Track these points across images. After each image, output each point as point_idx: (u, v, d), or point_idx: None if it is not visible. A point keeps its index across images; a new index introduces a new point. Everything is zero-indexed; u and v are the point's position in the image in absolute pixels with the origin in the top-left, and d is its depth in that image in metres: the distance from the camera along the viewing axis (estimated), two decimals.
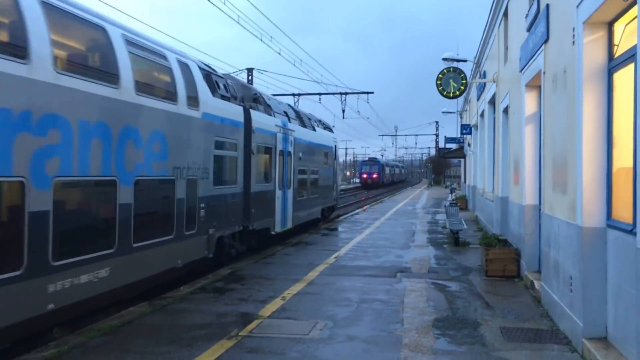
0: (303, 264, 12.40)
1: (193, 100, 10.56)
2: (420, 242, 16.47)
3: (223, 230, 11.97)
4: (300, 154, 17.85)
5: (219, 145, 11.70)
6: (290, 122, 17.28)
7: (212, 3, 17.62)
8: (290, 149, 16.79)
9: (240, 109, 13.07)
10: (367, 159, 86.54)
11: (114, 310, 8.33)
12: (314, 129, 20.61)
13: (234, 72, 43.68)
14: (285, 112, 17.44)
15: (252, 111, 13.61)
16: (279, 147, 15.66)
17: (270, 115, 15.43)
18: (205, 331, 7.17)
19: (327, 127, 24.00)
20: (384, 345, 6.67)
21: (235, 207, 12.74)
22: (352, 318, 7.86)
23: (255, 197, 13.74)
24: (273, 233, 15.32)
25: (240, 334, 7.05)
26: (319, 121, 23.24)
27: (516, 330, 7.28)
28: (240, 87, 14.34)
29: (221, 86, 12.32)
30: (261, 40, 24.63)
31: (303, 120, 19.56)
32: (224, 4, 18.87)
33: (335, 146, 24.06)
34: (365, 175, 78.53)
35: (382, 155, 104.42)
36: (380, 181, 78.09)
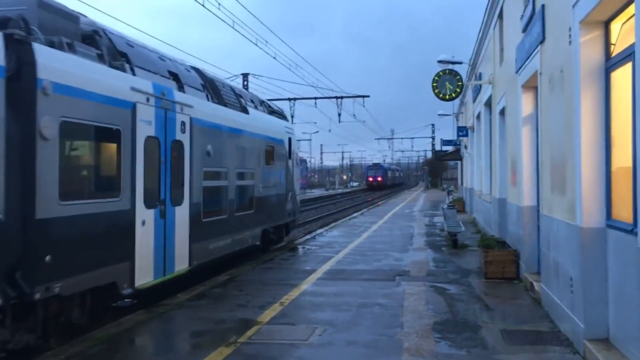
0: (302, 268, 12.33)
1: None
2: (419, 245, 16.42)
3: None
4: (210, 147, 11.01)
5: None
6: (183, 90, 10.49)
7: (207, 8, 17.60)
8: (182, 136, 9.90)
9: None
10: (372, 164, 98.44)
11: (110, 318, 8.24)
12: (246, 111, 13.46)
13: (229, 77, 43.68)
14: (173, 74, 10.49)
15: (39, 47, 6.69)
16: (147, 131, 8.78)
17: (118, 68, 8.44)
18: (204, 338, 7.09)
19: (274, 112, 16.72)
20: (384, 349, 6.61)
21: None
22: (351, 322, 7.80)
23: (60, 229, 6.89)
24: (126, 292, 8.20)
25: (239, 340, 6.98)
26: (262, 102, 16.14)
27: (517, 333, 7.23)
28: (34, 4, 7.34)
29: None
30: (256, 45, 24.63)
31: (219, 93, 12.40)
32: (219, 9, 18.86)
33: (290, 139, 16.80)
34: (371, 179, 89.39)
35: (384, 161, 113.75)
36: (384, 183, 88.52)
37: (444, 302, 9.03)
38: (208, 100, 11.62)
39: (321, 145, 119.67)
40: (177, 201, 9.80)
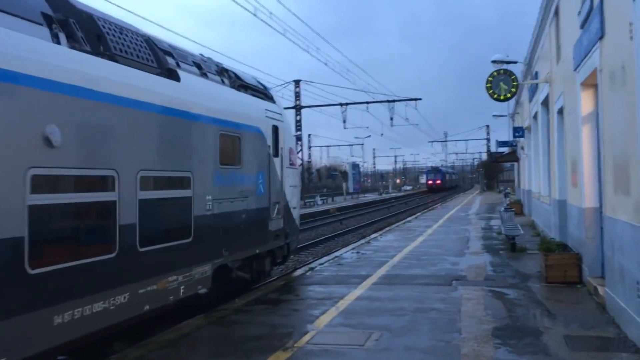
0: (357, 273, 12.30)
1: None
2: (475, 249, 16.11)
3: None
4: (55, 130, 5.91)
5: None
6: None
7: (259, 17, 17.87)
8: None
9: None
10: (431, 168, 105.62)
11: (170, 323, 8.44)
12: (173, 76, 8.37)
13: (280, 85, 44.12)
14: None
15: None
16: None
17: None
18: (261, 343, 7.18)
19: (247, 87, 11.10)
20: (442, 355, 6.51)
21: None
22: (408, 328, 7.72)
23: None
24: None
25: (296, 345, 7.02)
26: (222, 70, 10.54)
27: (581, 339, 6.99)
28: None
29: None
30: (308, 52, 24.83)
31: (102, 38, 7.23)
32: (270, 17, 19.12)
33: (277, 128, 11.68)
34: (430, 182, 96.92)
35: (441, 165, 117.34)
36: (443, 186, 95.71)
37: (503, 307, 8.82)
38: (58, 42, 6.40)
39: (374, 149, 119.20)
40: None
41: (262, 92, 11.85)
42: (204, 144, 8.82)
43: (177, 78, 8.39)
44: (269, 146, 11.24)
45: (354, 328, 7.77)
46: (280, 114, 12.11)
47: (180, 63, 8.84)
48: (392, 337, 7.29)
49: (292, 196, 12.63)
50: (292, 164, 12.70)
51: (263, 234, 10.92)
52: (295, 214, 12.90)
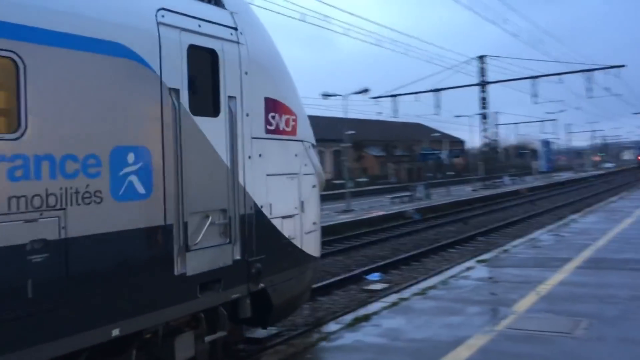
0: (556, 257, 11.48)
1: None
2: None
3: None
4: None
5: None
6: None
7: None
8: None
9: None
10: None
11: (357, 304, 8.57)
12: None
13: (464, 61, 42.76)
14: None
15: None
16: None
17: None
18: (459, 325, 6.99)
19: None
20: None
21: None
22: (621, 317, 7.01)
23: None
24: None
25: (495, 328, 6.73)
26: None
27: None
28: None
29: None
30: (496, 24, 23.61)
31: None
32: None
33: (207, 53, 5.36)
34: None
35: None
36: None
37: None
38: None
39: (568, 124, 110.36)
40: None
41: None
42: None
43: None
44: (175, 90, 5.05)
45: (558, 314, 7.23)
46: (235, 28, 5.78)
47: None
48: (604, 326, 6.65)
49: (281, 194, 6.29)
50: (276, 130, 6.29)
51: (149, 287, 4.77)
52: (296, 229, 6.49)
